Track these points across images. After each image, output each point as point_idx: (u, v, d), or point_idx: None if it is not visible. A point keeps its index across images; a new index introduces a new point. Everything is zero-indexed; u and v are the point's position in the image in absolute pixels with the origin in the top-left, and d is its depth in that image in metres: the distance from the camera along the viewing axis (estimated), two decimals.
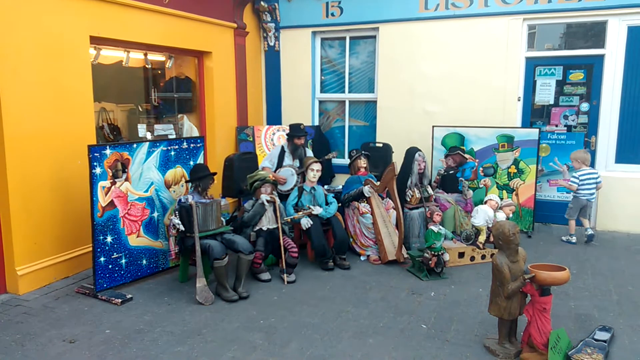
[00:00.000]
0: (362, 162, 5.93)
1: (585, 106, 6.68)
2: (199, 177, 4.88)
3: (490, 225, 5.44)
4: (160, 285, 4.87)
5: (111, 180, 4.61)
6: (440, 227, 5.18)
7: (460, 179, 6.25)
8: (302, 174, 5.84)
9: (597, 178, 6.10)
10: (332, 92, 8.10)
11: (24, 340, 3.76)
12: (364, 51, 7.80)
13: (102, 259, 4.57)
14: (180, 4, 6.24)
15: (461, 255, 5.36)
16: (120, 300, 4.40)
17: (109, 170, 4.58)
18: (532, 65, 6.82)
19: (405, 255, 5.35)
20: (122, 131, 7.04)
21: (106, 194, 4.58)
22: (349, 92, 7.97)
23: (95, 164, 4.46)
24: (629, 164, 6.56)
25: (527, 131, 6.49)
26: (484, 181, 6.38)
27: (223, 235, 4.73)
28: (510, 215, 5.70)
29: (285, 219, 5.17)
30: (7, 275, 4.63)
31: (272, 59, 8.11)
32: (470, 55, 6.95)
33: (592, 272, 5.11)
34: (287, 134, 6.22)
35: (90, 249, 4.63)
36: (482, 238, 5.50)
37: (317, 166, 5.47)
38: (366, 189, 5.62)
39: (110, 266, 4.64)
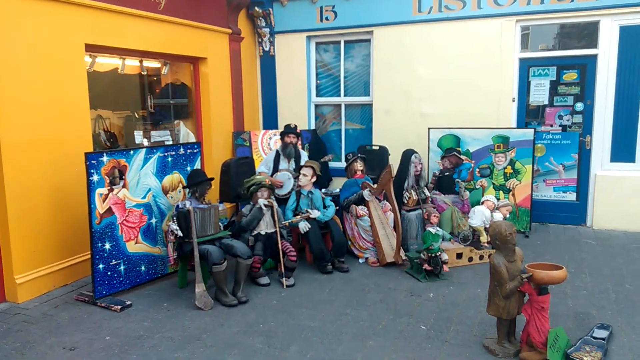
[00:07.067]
0: (359, 165, 5.94)
1: (579, 106, 6.71)
2: (196, 182, 4.90)
3: (487, 226, 5.47)
4: (160, 291, 4.87)
5: (109, 187, 4.62)
6: (438, 228, 5.20)
7: (457, 180, 6.27)
8: (298, 178, 5.85)
9: None
10: (328, 95, 8.12)
11: (23, 348, 3.75)
12: (359, 54, 7.83)
13: (100, 266, 4.57)
14: (174, 11, 6.26)
15: (459, 256, 5.37)
16: (119, 306, 4.40)
17: (106, 177, 4.59)
18: (526, 66, 6.85)
19: (404, 257, 5.36)
20: (119, 138, 7.04)
21: (104, 201, 4.58)
22: (345, 95, 7.99)
23: (92, 171, 4.47)
24: (624, 163, 6.57)
25: (523, 131, 6.53)
26: (481, 182, 6.40)
27: (221, 240, 4.74)
28: (507, 215, 5.73)
29: (283, 223, 5.17)
30: (6, 283, 4.63)
31: (268, 63, 8.13)
32: (464, 57, 6.97)
33: (590, 271, 5.14)
34: (280, 134, 6.25)
35: (89, 256, 4.64)
36: (483, 238, 5.52)
37: (306, 170, 5.50)
38: (366, 193, 5.62)
39: (109, 273, 4.65)
